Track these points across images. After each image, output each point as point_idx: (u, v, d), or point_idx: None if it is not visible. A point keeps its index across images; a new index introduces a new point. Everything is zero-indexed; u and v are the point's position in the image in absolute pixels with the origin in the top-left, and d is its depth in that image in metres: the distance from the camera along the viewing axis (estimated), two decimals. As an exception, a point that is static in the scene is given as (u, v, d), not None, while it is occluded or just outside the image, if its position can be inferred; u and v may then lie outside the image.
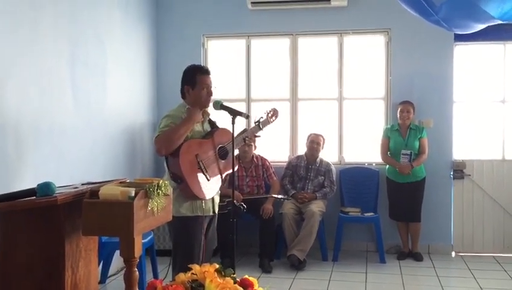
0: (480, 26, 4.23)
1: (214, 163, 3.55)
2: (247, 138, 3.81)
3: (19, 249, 2.63)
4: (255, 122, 3.92)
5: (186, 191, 3.36)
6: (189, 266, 2.87)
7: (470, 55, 6.24)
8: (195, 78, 3.52)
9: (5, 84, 3.58)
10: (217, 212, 3.68)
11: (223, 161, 3.60)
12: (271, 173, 5.88)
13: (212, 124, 3.73)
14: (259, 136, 4.18)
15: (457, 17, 4.05)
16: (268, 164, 5.91)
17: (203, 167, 3.42)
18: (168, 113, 3.48)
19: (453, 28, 4.34)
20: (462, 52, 6.18)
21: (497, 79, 6.17)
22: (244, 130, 3.87)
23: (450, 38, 5.94)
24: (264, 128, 3.93)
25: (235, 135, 3.53)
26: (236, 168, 3.71)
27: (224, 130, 3.66)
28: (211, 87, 3.56)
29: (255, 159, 5.84)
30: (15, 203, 2.55)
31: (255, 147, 5.80)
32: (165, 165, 3.47)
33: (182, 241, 3.45)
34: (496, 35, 5.82)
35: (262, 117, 3.91)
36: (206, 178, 3.45)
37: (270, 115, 3.94)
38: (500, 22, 3.96)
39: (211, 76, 3.59)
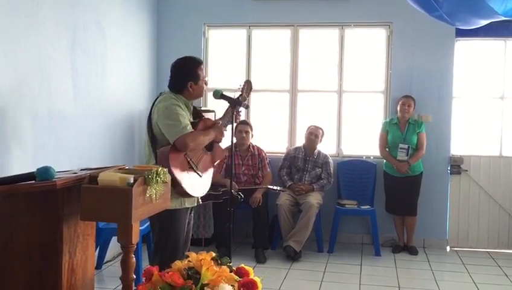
0: (483, 22, 4.22)
1: (203, 157, 3.49)
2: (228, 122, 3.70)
3: (17, 233, 2.64)
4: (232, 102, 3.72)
5: (180, 192, 3.29)
6: (186, 253, 2.90)
7: (471, 51, 6.23)
8: (197, 72, 3.48)
9: (4, 68, 3.58)
10: (200, 202, 3.66)
11: (209, 153, 3.56)
12: (265, 164, 5.89)
13: (197, 113, 3.66)
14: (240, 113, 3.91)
15: (461, 12, 4.04)
16: (264, 154, 5.92)
17: (194, 165, 3.37)
18: (173, 102, 3.36)
19: (456, 22, 4.33)
20: (463, 47, 6.17)
21: (496, 75, 6.16)
22: (225, 114, 3.74)
23: (451, 34, 5.93)
24: (244, 105, 3.78)
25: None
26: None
27: (205, 120, 3.61)
28: (206, 77, 3.57)
29: (251, 148, 5.85)
30: (14, 186, 2.56)
31: (252, 135, 5.81)
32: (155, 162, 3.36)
33: (169, 233, 3.42)
34: (497, 31, 5.83)
35: (240, 94, 3.77)
36: (199, 175, 3.41)
37: (244, 90, 3.83)
38: (503, 18, 3.96)
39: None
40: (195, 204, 3.59)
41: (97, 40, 4.92)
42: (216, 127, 3.54)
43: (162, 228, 3.44)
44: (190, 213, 3.61)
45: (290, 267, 5.24)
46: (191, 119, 3.50)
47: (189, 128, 3.30)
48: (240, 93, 3.81)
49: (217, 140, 3.58)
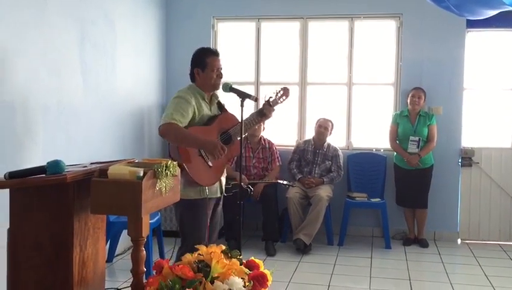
0: (491, 13, 4.17)
1: None
2: (254, 121, 3.71)
3: (28, 226, 2.65)
4: (264, 103, 3.73)
5: (187, 177, 3.34)
6: (196, 246, 2.91)
7: (482, 42, 6.16)
8: (204, 60, 3.49)
9: (13, 62, 3.59)
10: (224, 194, 3.68)
11: (226, 146, 3.52)
12: (275, 158, 5.90)
13: (221, 107, 3.69)
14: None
15: (468, 3, 4.00)
16: (274, 148, 5.92)
17: (204, 154, 3.41)
18: (178, 94, 3.44)
19: (463, 13, 4.29)
20: (474, 38, 6.11)
21: (508, 67, 6.10)
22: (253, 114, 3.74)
23: (462, 25, 5.88)
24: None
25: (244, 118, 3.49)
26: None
27: (228, 115, 3.62)
28: (220, 69, 3.54)
29: (262, 141, 5.86)
30: (25, 180, 2.57)
31: (264, 128, 5.81)
32: (168, 151, 3.48)
33: (189, 223, 3.47)
34: (508, 22, 5.77)
35: (271, 97, 3.75)
36: (208, 165, 3.43)
37: (279, 95, 3.75)
38: (510, 8, 3.91)
39: (220, 58, 3.56)
40: (218, 195, 3.60)
41: (106, 34, 4.93)
42: (214, 144, 3.36)
43: (182, 218, 3.50)
44: (217, 205, 3.64)
45: (300, 260, 5.24)
46: (209, 112, 3.53)
47: (179, 122, 3.29)
48: (271, 97, 3.71)
49: (209, 154, 3.42)
